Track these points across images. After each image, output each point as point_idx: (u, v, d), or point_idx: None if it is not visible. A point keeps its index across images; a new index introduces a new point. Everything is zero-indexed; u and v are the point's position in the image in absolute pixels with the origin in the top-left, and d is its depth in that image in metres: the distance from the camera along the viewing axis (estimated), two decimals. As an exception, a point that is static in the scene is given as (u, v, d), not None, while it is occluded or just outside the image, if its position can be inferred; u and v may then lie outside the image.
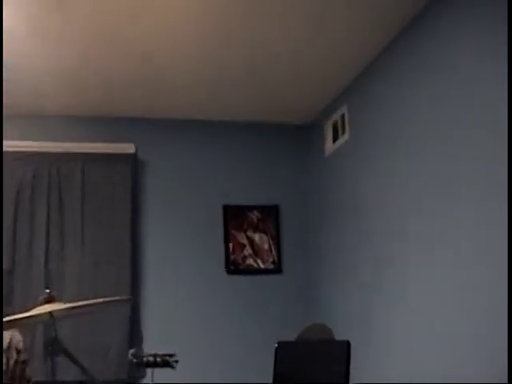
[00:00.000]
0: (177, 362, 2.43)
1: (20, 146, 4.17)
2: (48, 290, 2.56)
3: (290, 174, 4.70)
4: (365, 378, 3.09)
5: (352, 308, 3.82)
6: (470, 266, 2.75)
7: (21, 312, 2.50)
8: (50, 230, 4.15)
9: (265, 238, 4.54)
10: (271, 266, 4.52)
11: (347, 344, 2.19)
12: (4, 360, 2.55)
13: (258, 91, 4.10)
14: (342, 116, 4.11)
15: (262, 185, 4.63)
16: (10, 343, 2.61)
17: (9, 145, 4.05)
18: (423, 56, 3.16)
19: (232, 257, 4.46)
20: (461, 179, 2.83)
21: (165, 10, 3.12)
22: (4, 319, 2.39)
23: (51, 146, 4.24)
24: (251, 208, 4.54)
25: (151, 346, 3.72)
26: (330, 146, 4.33)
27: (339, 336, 2.75)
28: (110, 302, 3.05)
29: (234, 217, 4.52)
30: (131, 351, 2.56)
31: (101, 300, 2.79)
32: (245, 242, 4.50)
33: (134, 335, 4.10)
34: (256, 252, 4.51)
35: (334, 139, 4.25)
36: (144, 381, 3.85)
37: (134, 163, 4.38)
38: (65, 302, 2.59)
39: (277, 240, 4.56)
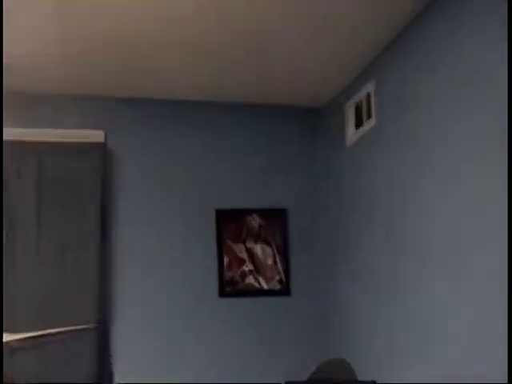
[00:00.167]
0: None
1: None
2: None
3: (300, 170, 4.45)
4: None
5: (376, 339, 3.65)
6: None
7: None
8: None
9: (268, 250, 4.32)
10: (277, 287, 4.30)
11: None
12: None
13: (261, 67, 3.85)
14: (368, 96, 3.89)
15: (264, 183, 4.36)
16: None
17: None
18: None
19: (227, 274, 4.22)
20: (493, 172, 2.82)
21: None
22: None
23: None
24: (251, 212, 4.31)
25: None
26: (351, 132, 4.13)
27: (362, 374, 2.80)
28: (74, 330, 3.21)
29: (230, 223, 4.29)
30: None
31: (64, 329, 3.04)
32: (244, 255, 4.27)
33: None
34: (258, 268, 4.29)
35: (358, 125, 4.03)
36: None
37: (102, 155, 4.07)
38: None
39: (284, 253, 4.33)
